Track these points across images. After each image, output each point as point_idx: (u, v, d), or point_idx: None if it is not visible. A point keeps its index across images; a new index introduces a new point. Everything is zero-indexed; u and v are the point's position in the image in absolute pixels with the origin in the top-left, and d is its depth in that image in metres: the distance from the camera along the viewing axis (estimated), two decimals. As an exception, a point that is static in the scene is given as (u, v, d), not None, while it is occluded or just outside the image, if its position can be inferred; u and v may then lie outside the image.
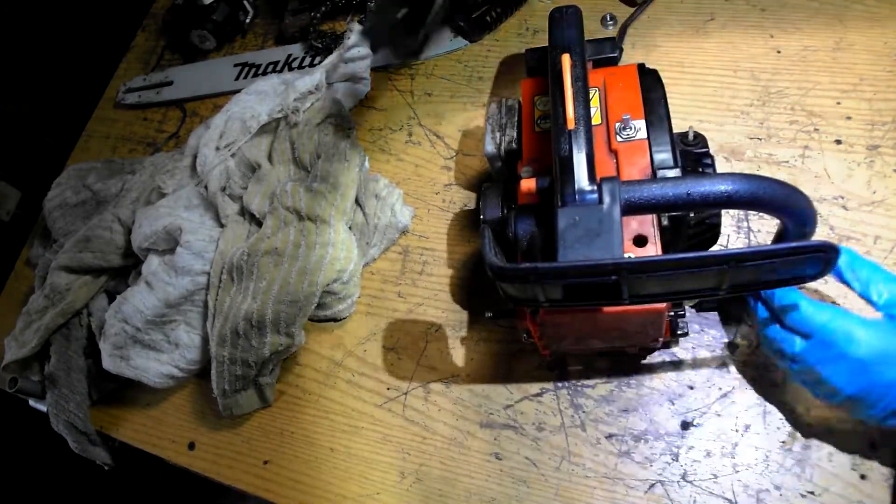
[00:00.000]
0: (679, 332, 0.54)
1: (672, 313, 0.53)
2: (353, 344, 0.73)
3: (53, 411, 0.82)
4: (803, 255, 0.37)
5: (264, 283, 0.67)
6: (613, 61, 0.60)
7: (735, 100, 0.69)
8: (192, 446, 0.76)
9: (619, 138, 0.53)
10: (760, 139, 0.66)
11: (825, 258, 0.37)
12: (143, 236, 0.77)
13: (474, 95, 0.82)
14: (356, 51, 0.84)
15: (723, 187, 0.40)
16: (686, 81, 0.72)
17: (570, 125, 0.46)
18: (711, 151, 0.55)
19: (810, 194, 0.61)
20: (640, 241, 0.48)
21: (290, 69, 0.98)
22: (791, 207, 0.41)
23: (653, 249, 0.48)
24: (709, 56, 0.72)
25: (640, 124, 0.53)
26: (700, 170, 0.54)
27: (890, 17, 0.68)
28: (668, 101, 0.55)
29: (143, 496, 1.67)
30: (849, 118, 0.64)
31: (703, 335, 0.60)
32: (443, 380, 0.67)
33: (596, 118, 0.55)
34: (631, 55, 0.76)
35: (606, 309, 0.47)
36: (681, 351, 0.60)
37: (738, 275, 0.38)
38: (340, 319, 0.74)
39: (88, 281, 0.85)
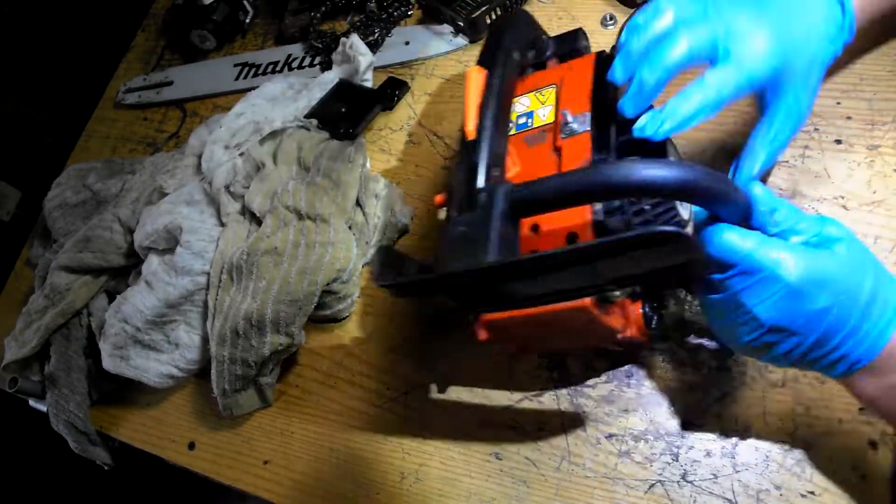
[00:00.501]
0: (653, 327, 0.53)
1: (646, 308, 0.52)
2: (353, 344, 0.73)
3: (53, 411, 0.82)
4: (647, 244, 0.34)
5: (264, 282, 0.67)
6: (579, 53, 0.59)
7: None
8: (192, 446, 0.76)
9: (562, 135, 0.52)
10: (760, 139, 0.66)
11: (680, 245, 0.34)
12: (145, 234, 0.77)
13: (474, 95, 0.82)
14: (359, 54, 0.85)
15: (604, 177, 0.37)
16: (686, 81, 0.72)
17: (469, 136, 0.46)
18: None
19: (810, 194, 0.62)
20: (571, 238, 0.47)
21: (290, 69, 0.98)
22: (694, 193, 0.37)
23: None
24: (709, 56, 0.72)
25: (584, 117, 0.51)
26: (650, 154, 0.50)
27: (890, 17, 0.68)
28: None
29: (143, 496, 1.67)
30: (849, 118, 0.64)
31: (703, 335, 0.60)
32: (443, 380, 0.67)
33: (549, 116, 0.54)
34: (631, 55, 0.76)
35: (531, 311, 0.47)
36: (681, 351, 0.60)
37: (610, 269, 0.36)
38: (340, 319, 0.74)
39: (88, 281, 0.85)
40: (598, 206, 0.49)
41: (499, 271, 0.36)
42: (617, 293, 0.48)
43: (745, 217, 0.40)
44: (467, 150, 0.46)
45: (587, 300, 0.45)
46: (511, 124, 0.57)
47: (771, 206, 0.42)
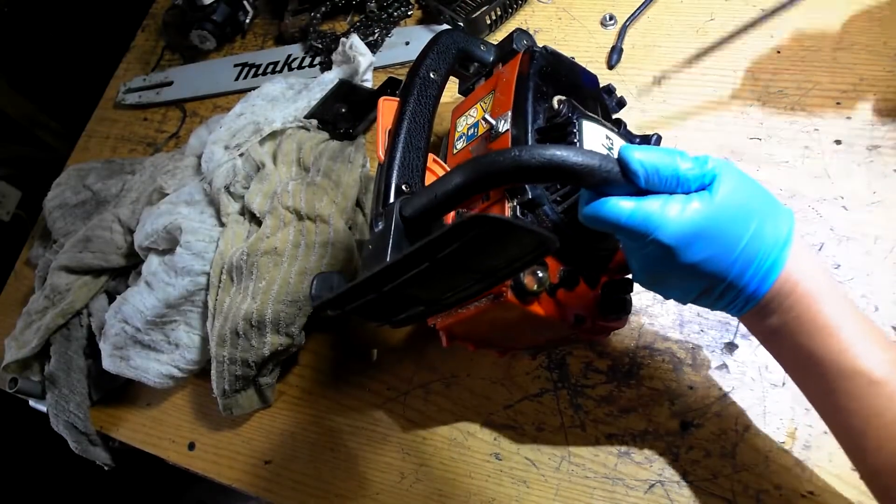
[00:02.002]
0: (615, 311, 0.51)
1: (604, 290, 0.51)
2: (354, 344, 0.73)
3: (53, 411, 0.82)
4: (465, 235, 0.33)
5: (264, 283, 0.67)
6: (513, 56, 0.59)
7: (735, 100, 0.69)
8: (192, 446, 0.76)
9: (491, 139, 0.52)
10: (760, 139, 0.66)
11: (490, 229, 0.32)
12: (145, 234, 0.77)
13: (474, 95, 0.82)
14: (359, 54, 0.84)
15: (456, 180, 0.39)
16: (686, 81, 0.72)
17: (380, 160, 0.48)
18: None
19: (810, 194, 0.62)
20: None
21: (290, 69, 0.98)
22: (559, 171, 0.37)
23: None
24: (709, 56, 0.72)
25: (506, 117, 0.51)
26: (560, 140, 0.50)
27: (890, 18, 0.68)
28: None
29: (143, 496, 1.67)
30: (849, 118, 0.64)
31: (703, 335, 0.60)
32: (443, 380, 0.67)
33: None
34: (631, 55, 0.76)
35: (466, 314, 0.48)
36: (680, 351, 0.60)
37: (477, 263, 0.36)
38: (340, 320, 0.74)
39: (88, 281, 0.85)
40: (515, 201, 0.49)
41: (377, 279, 0.36)
42: (535, 286, 0.46)
43: (633, 185, 0.39)
44: (379, 173, 0.48)
45: (508, 294, 0.45)
46: (463, 138, 0.58)
47: (651, 165, 0.38)
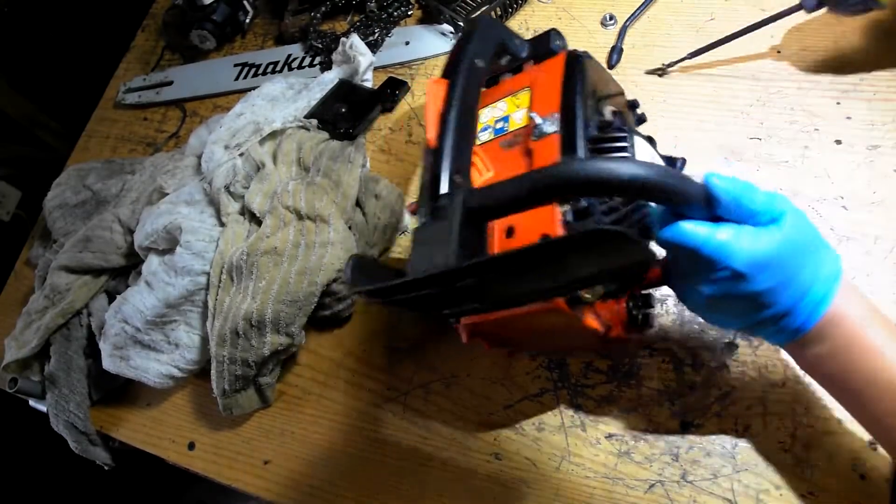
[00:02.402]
0: (640, 325, 0.52)
1: (629, 304, 0.52)
2: (353, 344, 0.73)
3: (53, 411, 0.82)
4: (592, 244, 0.33)
5: (264, 282, 0.67)
6: (553, 53, 0.59)
7: (735, 100, 0.69)
8: (192, 446, 0.76)
9: (533, 137, 0.52)
10: (760, 139, 0.66)
11: (618, 246, 0.33)
12: (145, 234, 0.77)
13: (474, 95, 0.82)
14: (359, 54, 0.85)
15: (554, 176, 0.37)
16: (686, 81, 0.72)
17: (430, 145, 0.47)
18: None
19: (810, 194, 0.62)
20: (545, 239, 0.47)
21: (290, 69, 0.98)
22: (644, 189, 0.37)
23: None
24: (709, 56, 0.72)
25: (554, 118, 0.52)
26: (616, 153, 0.50)
27: (890, 18, 0.68)
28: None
29: (143, 496, 1.67)
30: (849, 118, 0.64)
31: (703, 335, 0.60)
32: (443, 380, 0.67)
33: (524, 119, 0.54)
34: (631, 55, 0.76)
35: (507, 314, 0.47)
36: (681, 351, 0.60)
37: (562, 270, 0.36)
38: (340, 319, 0.74)
39: (88, 281, 0.85)
40: (567, 207, 0.49)
41: (454, 275, 0.36)
42: (588, 295, 0.47)
43: (708, 209, 0.41)
44: (429, 159, 0.46)
45: (560, 300, 0.46)
46: (489, 130, 0.57)
47: (733, 195, 0.41)
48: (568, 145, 0.50)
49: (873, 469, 0.51)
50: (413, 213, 0.53)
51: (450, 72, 0.52)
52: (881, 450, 0.52)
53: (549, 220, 0.48)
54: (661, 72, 0.72)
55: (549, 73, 0.55)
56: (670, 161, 0.54)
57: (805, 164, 0.64)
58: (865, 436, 0.52)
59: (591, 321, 0.49)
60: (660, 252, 0.46)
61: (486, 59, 0.53)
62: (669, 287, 0.49)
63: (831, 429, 0.53)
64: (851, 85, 0.66)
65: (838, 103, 0.65)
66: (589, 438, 0.59)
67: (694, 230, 0.41)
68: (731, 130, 0.68)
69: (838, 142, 0.63)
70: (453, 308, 0.42)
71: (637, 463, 0.57)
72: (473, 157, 0.52)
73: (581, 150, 0.49)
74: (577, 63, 0.54)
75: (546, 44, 0.60)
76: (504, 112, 0.57)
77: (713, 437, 0.56)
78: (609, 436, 0.59)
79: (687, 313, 0.61)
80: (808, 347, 0.45)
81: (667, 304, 0.62)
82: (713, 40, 0.69)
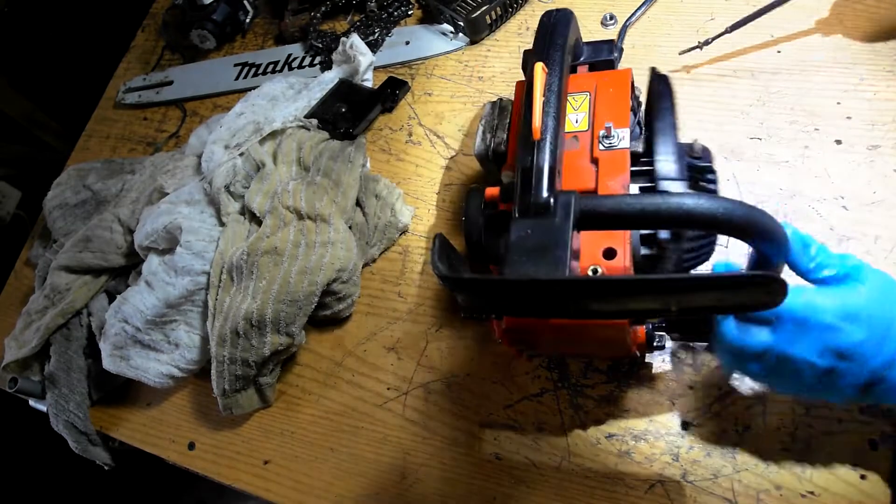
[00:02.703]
0: (655, 345, 0.53)
1: (650, 326, 0.52)
2: (353, 344, 0.73)
3: (53, 411, 0.82)
4: (744, 286, 0.34)
5: (264, 282, 0.67)
6: (611, 64, 0.60)
7: (735, 100, 0.69)
8: (192, 446, 0.76)
9: (601, 146, 0.52)
10: (760, 139, 0.66)
11: (771, 289, 0.35)
12: (145, 234, 0.77)
13: (474, 95, 0.82)
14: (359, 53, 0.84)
15: (680, 205, 0.37)
16: (686, 81, 0.72)
17: (536, 136, 0.45)
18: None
19: (810, 194, 0.62)
20: (609, 253, 0.48)
21: (290, 69, 0.98)
22: (755, 234, 0.38)
23: (621, 262, 0.47)
24: (709, 56, 0.72)
25: (625, 133, 0.52)
26: (701, 184, 0.52)
27: (890, 18, 0.68)
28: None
29: (143, 496, 1.67)
30: (849, 118, 0.64)
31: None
32: (443, 380, 0.67)
33: (583, 124, 0.55)
34: (631, 55, 0.76)
35: (565, 321, 0.47)
36: (681, 351, 0.60)
37: (685, 299, 0.36)
38: (340, 319, 0.74)
39: (88, 281, 0.85)
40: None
41: (574, 286, 0.36)
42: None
43: (786, 255, 0.42)
44: (532, 151, 0.45)
45: (624, 320, 0.46)
46: None
47: (804, 242, 0.44)
48: (665, 171, 0.50)
49: (873, 469, 0.51)
50: (490, 199, 0.52)
51: (548, 56, 0.50)
52: (881, 450, 0.52)
53: (619, 237, 0.48)
54: (699, 48, 0.70)
55: (616, 86, 0.56)
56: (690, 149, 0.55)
57: (805, 164, 0.64)
58: (866, 436, 0.52)
59: (639, 337, 0.50)
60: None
61: (569, 51, 0.53)
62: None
63: (831, 429, 0.53)
64: (851, 85, 0.66)
65: (838, 103, 0.65)
66: (589, 438, 0.59)
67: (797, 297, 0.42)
68: (731, 130, 0.68)
69: (838, 142, 0.63)
70: (537, 315, 0.42)
71: (637, 463, 0.57)
72: None
73: (682, 182, 0.49)
74: (665, 84, 0.55)
75: (605, 53, 0.60)
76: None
77: (713, 437, 0.56)
78: (609, 436, 0.59)
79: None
80: None
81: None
82: (749, 13, 0.67)
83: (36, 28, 1.70)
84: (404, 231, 0.76)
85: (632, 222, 0.40)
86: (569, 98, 0.57)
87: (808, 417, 0.54)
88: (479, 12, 0.82)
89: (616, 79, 0.57)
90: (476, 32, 0.85)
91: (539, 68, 0.48)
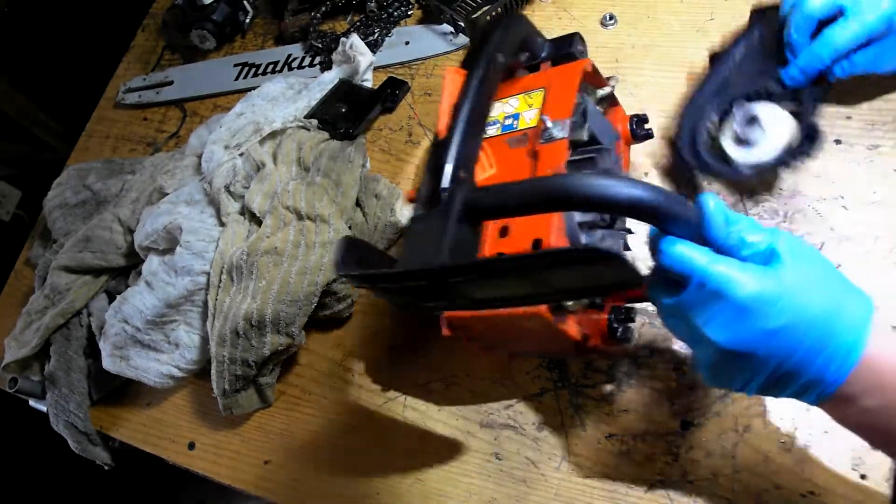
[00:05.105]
0: (619, 338, 0.53)
1: (610, 317, 0.52)
2: (353, 344, 0.73)
3: (53, 411, 0.82)
4: (585, 260, 0.34)
5: (264, 282, 0.67)
6: (572, 57, 0.59)
7: (735, 100, 0.69)
8: (192, 446, 0.76)
9: (541, 140, 0.53)
10: (760, 139, 0.66)
11: (614, 264, 0.33)
12: (145, 234, 0.77)
13: (474, 95, 0.82)
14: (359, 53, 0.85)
15: (560, 186, 0.37)
16: (686, 81, 0.72)
17: (441, 135, 0.46)
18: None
19: (810, 194, 0.62)
20: (536, 244, 0.48)
21: (290, 69, 0.98)
22: (643, 211, 0.37)
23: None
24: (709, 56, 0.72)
25: (565, 124, 0.52)
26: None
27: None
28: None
29: (143, 496, 1.67)
30: (849, 118, 0.64)
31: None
32: (443, 380, 0.67)
33: (534, 120, 0.55)
34: (631, 55, 0.76)
35: (489, 312, 0.48)
36: (681, 351, 0.60)
37: (544, 279, 0.36)
38: (340, 319, 0.74)
39: (88, 281, 0.85)
40: (577, 216, 0.50)
41: (446, 272, 0.37)
42: (570, 303, 0.48)
43: (697, 232, 0.40)
44: (436, 150, 0.46)
45: (542, 307, 0.46)
46: (497, 125, 0.57)
47: (725, 219, 0.39)
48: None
49: (873, 469, 0.51)
50: (412, 200, 0.53)
51: (470, 63, 0.51)
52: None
53: (545, 226, 0.48)
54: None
55: (566, 77, 0.56)
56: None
57: (805, 164, 0.64)
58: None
59: (570, 329, 0.49)
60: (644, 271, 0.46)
61: (508, 54, 0.53)
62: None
63: (831, 429, 0.53)
64: (851, 85, 0.66)
65: (838, 103, 0.65)
66: (589, 438, 0.59)
67: (689, 254, 0.38)
68: (731, 130, 0.67)
69: (838, 142, 0.63)
70: (438, 303, 0.42)
71: (637, 463, 0.57)
72: (480, 153, 0.52)
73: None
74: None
75: (567, 47, 0.60)
76: (515, 109, 0.57)
77: (713, 437, 0.56)
78: (609, 436, 0.59)
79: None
80: (845, 406, 0.40)
81: (633, 317, 0.61)
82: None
83: (36, 28, 1.70)
84: (404, 231, 0.76)
85: (518, 209, 0.40)
86: (524, 96, 0.57)
87: (809, 417, 0.54)
88: (479, 12, 0.82)
89: (568, 70, 0.57)
90: (476, 32, 0.85)
91: (450, 73, 0.51)
